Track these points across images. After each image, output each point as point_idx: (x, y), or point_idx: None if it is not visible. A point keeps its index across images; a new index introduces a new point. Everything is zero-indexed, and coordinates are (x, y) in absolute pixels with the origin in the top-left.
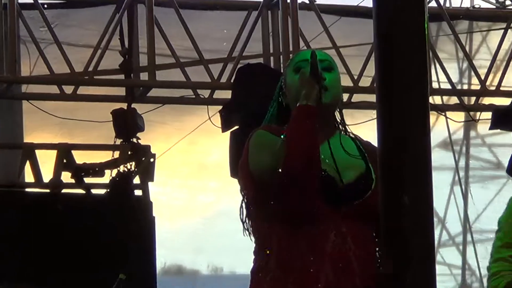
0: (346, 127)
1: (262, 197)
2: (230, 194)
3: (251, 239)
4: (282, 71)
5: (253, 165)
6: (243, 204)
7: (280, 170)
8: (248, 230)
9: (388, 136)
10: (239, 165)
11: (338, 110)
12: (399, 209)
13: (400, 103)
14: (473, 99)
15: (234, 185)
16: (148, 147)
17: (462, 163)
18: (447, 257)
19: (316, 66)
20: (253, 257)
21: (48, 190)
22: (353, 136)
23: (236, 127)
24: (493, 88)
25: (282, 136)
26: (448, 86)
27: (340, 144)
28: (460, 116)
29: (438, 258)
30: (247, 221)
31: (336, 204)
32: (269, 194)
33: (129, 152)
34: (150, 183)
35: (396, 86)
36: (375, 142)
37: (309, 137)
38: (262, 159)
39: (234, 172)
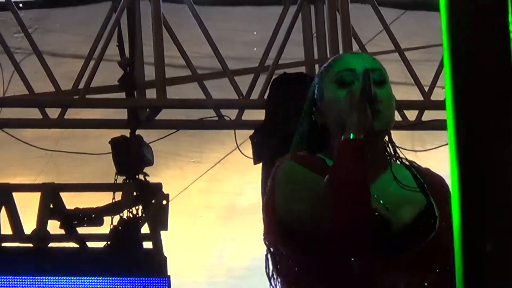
0: (398, 152)
1: (295, 253)
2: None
3: None
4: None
5: (282, 213)
6: (269, 256)
7: (323, 226)
8: None
9: (465, 165)
10: (263, 206)
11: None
12: (481, 260)
13: (481, 120)
14: None
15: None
16: (159, 186)
17: None
18: None
19: (370, 88)
20: None
21: (30, 245)
22: (407, 162)
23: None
24: None
25: (317, 175)
26: None
27: (392, 174)
28: None
29: None
30: (275, 276)
31: (390, 251)
32: (306, 250)
33: (135, 193)
34: (162, 233)
35: (474, 99)
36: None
37: (362, 184)
38: (296, 207)
39: None
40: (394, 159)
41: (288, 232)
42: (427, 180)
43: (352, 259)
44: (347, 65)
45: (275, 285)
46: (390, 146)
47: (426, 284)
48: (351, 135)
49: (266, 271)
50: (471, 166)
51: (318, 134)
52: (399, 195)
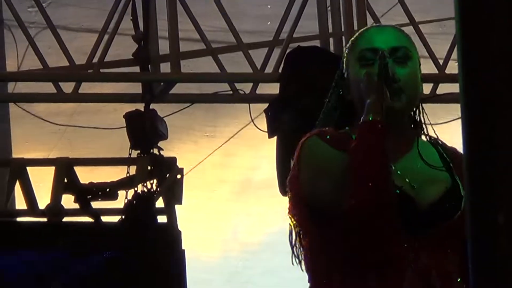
0: (426, 129)
1: (319, 228)
2: (281, 221)
3: (301, 269)
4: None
5: (307, 189)
6: (292, 227)
7: (344, 204)
8: (298, 259)
9: (476, 136)
10: (288, 180)
11: (415, 108)
12: (491, 231)
13: (493, 92)
14: None
15: (286, 207)
16: (173, 160)
17: None
18: None
19: (385, 70)
20: None
21: (45, 219)
22: (433, 140)
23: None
24: None
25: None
26: None
27: (418, 152)
28: None
29: None
30: (297, 245)
31: (415, 229)
32: (329, 226)
33: (149, 167)
34: (177, 207)
35: (485, 70)
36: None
37: (379, 165)
38: (319, 184)
39: (284, 188)
40: (421, 136)
41: (312, 208)
42: (453, 159)
43: (375, 236)
44: (370, 43)
45: (298, 254)
46: (418, 122)
47: (451, 260)
48: (370, 117)
49: (289, 239)
50: (483, 138)
51: (346, 108)
52: (425, 173)
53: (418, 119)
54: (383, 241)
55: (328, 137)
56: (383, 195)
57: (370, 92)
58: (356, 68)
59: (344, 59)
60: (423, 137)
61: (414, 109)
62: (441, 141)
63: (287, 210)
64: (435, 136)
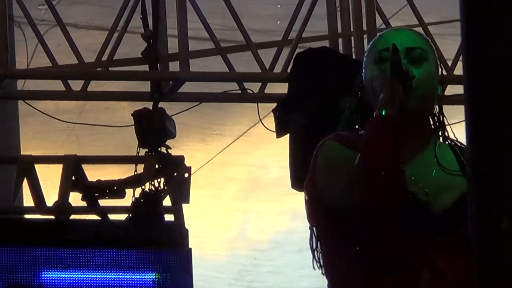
0: (445, 131)
1: (335, 229)
2: (289, 219)
3: (322, 273)
4: (353, 56)
5: (322, 188)
6: (314, 230)
7: (356, 199)
8: (319, 262)
9: (479, 137)
10: (305, 185)
11: (434, 110)
12: (496, 237)
13: (498, 93)
14: None
15: (296, 205)
16: (181, 159)
17: None
18: None
19: (398, 64)
20: None
21: (52, 217)
22: (451, 143)
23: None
24: None
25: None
26: None
27: (434, 157)
28: None
29: None
30: (318, 249)
31: (429, 234)
32: (344, 226)
33: (157, 166)
34: (184, 205)
35: (489, 72)
36: None
37: (388, 159)
38: (334, 181)
39: (296, 184)
40: (439, 139)
41: (329, 209)
42: None
43: (388, 233)
44: (387, 44)
45: (318, 258)
46: (437, 124)
47: (467, 263)
48: (383, 111)
49: (310, 244)
50: (487, 141)
51: (364, 112)
52: (440, 179)
53: (437, 122)
54: (397, 240)
55: (344, 139)
56: (394, 192)
57: (383, 87)
58: (373, 69)
59: (363, 63)
60: (441, 140)
61: (433, 111)
62: (461, 143)
63: (306, 215)
64: (452, 139)
